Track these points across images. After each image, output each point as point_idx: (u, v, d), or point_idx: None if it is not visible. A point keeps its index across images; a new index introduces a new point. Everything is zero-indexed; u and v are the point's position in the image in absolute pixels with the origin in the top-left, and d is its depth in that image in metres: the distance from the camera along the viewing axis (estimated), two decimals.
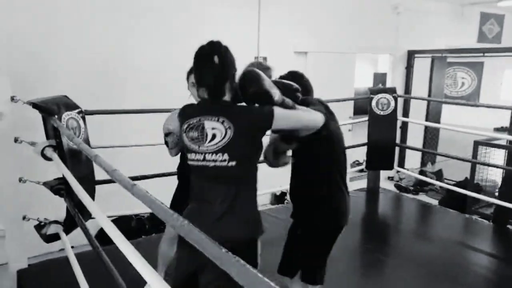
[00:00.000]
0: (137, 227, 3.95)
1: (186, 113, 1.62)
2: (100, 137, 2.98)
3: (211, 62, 1.53)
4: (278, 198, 5.11)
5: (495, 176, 4.90)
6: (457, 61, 8.37)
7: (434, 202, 5.24)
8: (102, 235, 2.15)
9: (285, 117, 1.60)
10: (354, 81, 5.80)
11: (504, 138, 4.82)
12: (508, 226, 3.81)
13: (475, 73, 9.40)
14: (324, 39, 5.36)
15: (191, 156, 1.55)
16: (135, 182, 1.22)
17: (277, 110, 1.55)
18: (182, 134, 1.58)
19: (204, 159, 1.51)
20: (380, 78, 6.15)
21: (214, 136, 1.48)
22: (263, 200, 5.09)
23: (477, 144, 4.80)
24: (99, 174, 2.26)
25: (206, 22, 4.44)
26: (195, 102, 1.78)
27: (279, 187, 4.44)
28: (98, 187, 2.65)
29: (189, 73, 2.07)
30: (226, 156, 1.48)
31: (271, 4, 4.84)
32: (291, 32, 5.07)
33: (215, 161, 1.49)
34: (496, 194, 4.57)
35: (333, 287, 2.58)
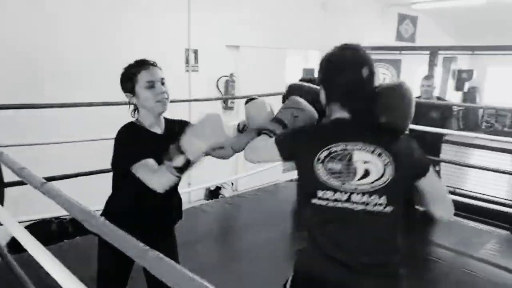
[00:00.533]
0: (58, 231, 3.65)
1: (320, 133, 1.28)
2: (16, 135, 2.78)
3: (359, 74, 1.24)
4: (212, 193, 5.14)
5: None
6: (378, 58, 8.95)
7: None
8: (15, 243, 2.00)
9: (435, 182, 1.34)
10: (286, 76, 5.98)
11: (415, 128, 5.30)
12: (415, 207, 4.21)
13: (395, 69, 10.15)
14: (256, 34, 5.45)
15: (324, 194, 1.20)
16: (46, 181, 1.13)
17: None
18: (315, 164, 1.20)
19: (348, 200, 1.19)
20: (309, 73, 6.41)
21: (367, 173, 1.18)
22: (197, 194, 5.08)
23: None
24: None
25: (132, 12, 4.29)
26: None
27: (213, 181, 4.47)
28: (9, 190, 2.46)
29: (133, 74, 1.56)
30: (383, 200, 1.18)
31: None
32: (223, 26, 5.09)
33: (366, 204, 1.18)
34: None
35: (265, 274, 2.69)
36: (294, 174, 4.50)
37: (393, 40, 7.69)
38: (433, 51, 5.49)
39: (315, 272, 1.23)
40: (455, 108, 5.48)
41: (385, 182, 1.18)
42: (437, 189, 1.35)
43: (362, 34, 6.93)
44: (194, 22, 4.80)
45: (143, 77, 1.54)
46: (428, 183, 1.29)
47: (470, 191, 4.71)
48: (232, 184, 5.18)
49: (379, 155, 1.19)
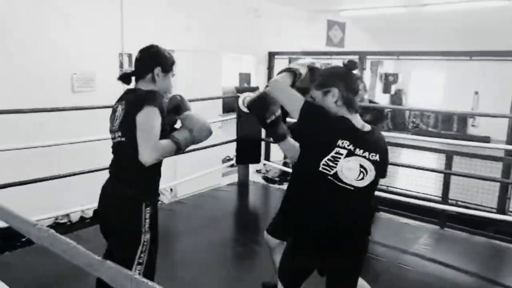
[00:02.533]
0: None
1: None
2: None
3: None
4: None
5: None
6: None
7: None
8: None
9: None
10: (222, 80, 5.95)
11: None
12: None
13: None
14: (191, 38, 5.38)
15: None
16: None
17: None
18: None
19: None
20: (245, 77, 6.44)
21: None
22: None
23: None
24: None
25: (64, 16, 4.06)
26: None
27: None
28: None
29: (171, 64, 1.95)
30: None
31: (136, 1, 4.66)
32: (157, 30, 4.94)
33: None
34: None
35: (206, 279, 2.63)
36: (234, 178, 4.52)
37: (324, 45, 7.99)
38: (362, 56, 5.76)
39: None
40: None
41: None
42: None
43: (294, 39, 7.12)
44: (128, 26, 4.63)
45: (173, 70, 1.96)
46: None
47: (402, 189, 4.98)
48: (171, 190, 5.02)
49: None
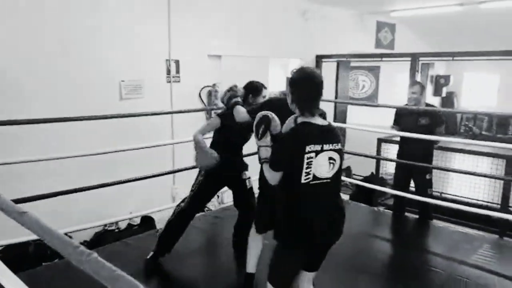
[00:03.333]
0: (36, 253, 3.43)
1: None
2: None
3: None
4: None
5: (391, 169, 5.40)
6: (358, 65, 9.05)
7: (346, 197, 5.62)
8: None
9: None
10: (269, 85, 5.96)
11: (398, 134, 5.33)
12: (406, 214, 4.22)
13: (374, 76, 10.29)
14: (238, 43, 5.42)
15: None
16: (24, 209, 1.02)
17: None
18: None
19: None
20: None
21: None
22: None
23: (380, 141, 5.25)
24: None
25: (112, 24, 4.21)
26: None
27: None
28: None
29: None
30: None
31: (182, 6, 4.75)
32: (205, 35, 5.04)
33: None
34: None
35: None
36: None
37: (373, 47, 7.79)
38: (414, 57, 5.57)
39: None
40: None
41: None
42: None
43: (342, 42, 7.00)
44: (175, 32, 4.73)
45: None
46: None
47: (459, 196, 4.75)
48: (218, 196, 5.07)
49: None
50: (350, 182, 5.79)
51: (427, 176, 3.96)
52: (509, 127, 10.52)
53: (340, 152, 1.80)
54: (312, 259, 1.91)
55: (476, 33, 8.31)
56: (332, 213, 1.84)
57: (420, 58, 5.85)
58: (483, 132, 10.75)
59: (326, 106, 7.16)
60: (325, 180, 1.76)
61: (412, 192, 4.08)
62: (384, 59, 6.12)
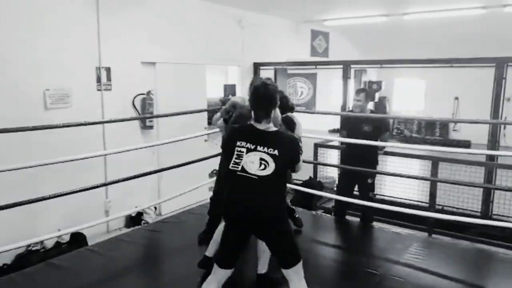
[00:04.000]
0: None
1: None
2: None
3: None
4: (133, 220, 4.80)
5: (333, 173, 5.55)
6: (296, 73, 9.29)
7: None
8: None
9: None
10: (206, 92, 5.89)
11: (336, 139, 5.49)
12: (347, 217, 4.33)
13: (311, 83, 10.61)
14: (174, 50, 5.30)
15: None
16: None
17: None
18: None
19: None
20: (230, 89, 6.38)
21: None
22: (117, 223, 4.71)
23: (316, 146, 5.37)
24: None
25: (35, 30, 3.92)
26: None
27: (135, 207, 4.19)
28: None
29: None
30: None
31: (112, 7, 4.53)
32: (137, 42, 4.85)
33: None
34: (335, 189, 5.16)
35: None
36: None
37: (309, 55, 8.01)
38: (346, 65, 5.79)
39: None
40: None
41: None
42: None
43: (279, 49, 7.13)
44: (105, 39, 4.50)
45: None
46: None
47: (392, 197, 4.96)
48: (156, 208, 4.89)
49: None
50: (290, 188, 5.87)
51: (369, 180, 4.07)
52: (436, 129, 11.37)
53: (275, 157, 2.01)
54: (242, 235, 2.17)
55: (402, 41, 8.88)
56: (257, 205, 2.06)
57: (353, 66, 6.09)
58: (414, 135, 11.50)
59: None
60: (252, 176, 2.01)
61: (355, 196, 4.17)
62: (318, 66, 6.30)
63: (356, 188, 4.19)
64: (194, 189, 4.32)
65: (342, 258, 3.47)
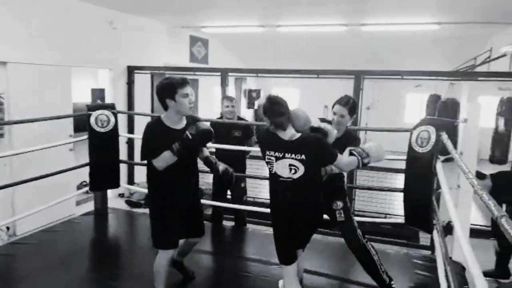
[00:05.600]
0: None
1: None
2: None
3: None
4: None
5: (210, 179, 5.52)
6: None
7: None
8: None
9: None
10: (72, 97, 5.36)
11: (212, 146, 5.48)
12: (224, 223, 4.34)
13: (193, 89, 10.50)
14: (30, 49, 4.70)
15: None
16: None
17: None
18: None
19: None
20: (98, 93, 5.89)
21: None
22: None
23: None
24: None
25: None
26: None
27: None
28: None
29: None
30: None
31: None
32: None
33: None
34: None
35: None
36: (91, 206, 3.92)
37: (188, 61, 7.94)
38: (224, 73, 5.86)
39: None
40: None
41: None
42: None
43: (156, 54, 6.89)
44: None
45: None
46: None
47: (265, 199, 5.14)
48: (8, 228, 4.23)
49: None
50: None
51: (242, 185, 4.15)
52: None
53: (303, 161, 2.22)
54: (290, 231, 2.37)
55: (278, 52, 9.41)
56: (295, 203, 2.30)
57: (231, 74, 6.19)
58: None
59: (145, 119, 6.85)
60: (287, 179, 2.26)
61: (229, 201, 4.22)
62: (197, 73, 6.26)
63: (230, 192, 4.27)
64: (56, 203, 3.86)
65: (217, 264, 3.47)
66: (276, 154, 2.24)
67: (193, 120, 2.47)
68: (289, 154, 2.21)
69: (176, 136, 2.30)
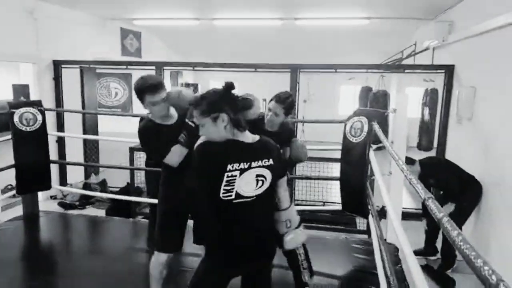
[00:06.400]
0: None
1: None
2: None
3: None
4: None
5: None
6: (108, 72, 8.69)
7: (102, 213, 5.23)
8: None
9: None
10: None
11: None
12: None
13: (126, 84, 10.10)
14: None
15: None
16: None
17: None
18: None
19: None
20: (22, 90, 5.43)
21: None
22: None
23: (132, 150, 5.11)
24: None
25: None
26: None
27: None
28: None
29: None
30: None
31: None
32: None
33: None
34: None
35: None
36: (20, 210, 3.65)
37: (119, 54, 7.60)
38: (158, 66, 5.69)
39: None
40: None
41: None
42: None
43: (84, 47, 6.50)
44: None
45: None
46: None
47: None
48: None
49: None
50: (105, 197, 5.44)
51: None
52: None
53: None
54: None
55: (215, 45, 9.33)
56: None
57: (167, 68, 6.03)
58: None
59: (75, 116, 6.44)
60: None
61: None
62: (130, 67, 6.01)
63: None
64: None
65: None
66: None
67: (182, 111, 2.25)
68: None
69: (172, 131, 2.17)
